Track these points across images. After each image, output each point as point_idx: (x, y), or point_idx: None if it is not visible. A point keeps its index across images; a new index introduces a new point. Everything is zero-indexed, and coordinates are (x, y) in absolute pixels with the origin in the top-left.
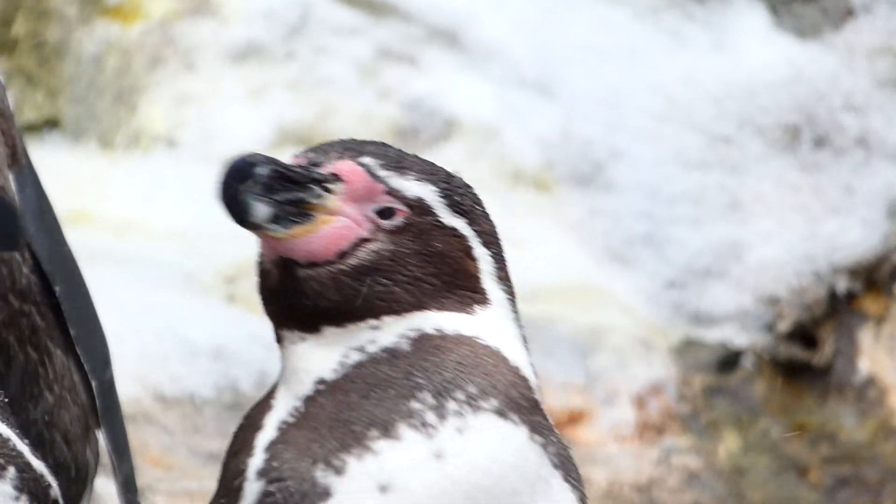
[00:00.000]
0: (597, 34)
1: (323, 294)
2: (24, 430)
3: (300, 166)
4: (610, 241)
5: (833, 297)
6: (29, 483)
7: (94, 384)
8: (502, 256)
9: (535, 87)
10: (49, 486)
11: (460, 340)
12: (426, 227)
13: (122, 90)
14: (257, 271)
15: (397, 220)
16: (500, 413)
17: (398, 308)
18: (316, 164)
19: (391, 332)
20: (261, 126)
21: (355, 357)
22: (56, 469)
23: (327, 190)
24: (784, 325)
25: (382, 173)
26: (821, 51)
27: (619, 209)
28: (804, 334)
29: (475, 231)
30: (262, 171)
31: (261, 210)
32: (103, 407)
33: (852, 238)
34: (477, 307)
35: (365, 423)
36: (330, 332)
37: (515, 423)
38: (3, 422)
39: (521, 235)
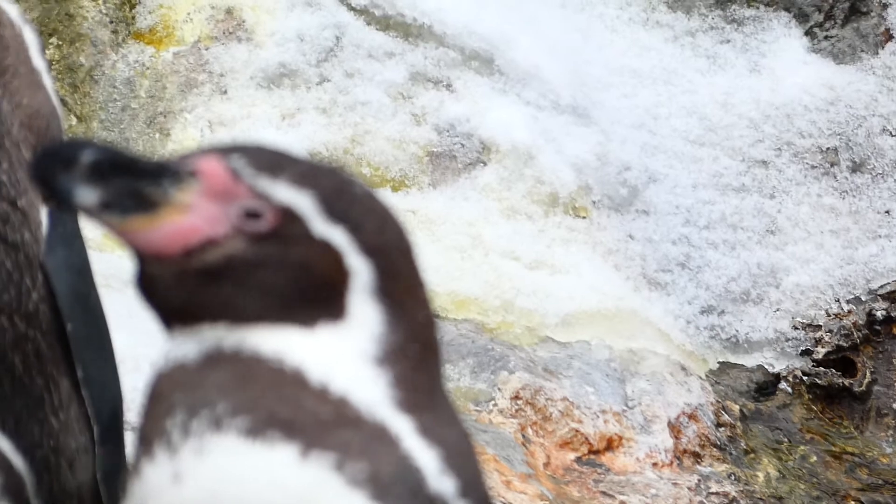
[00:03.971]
0: (633, 57)
1: (165, 292)
2: (30, 453)
3: (149, 160)
4: (646, 265)
5: (871, 322)
6: (11, 486)
7: (95, 430)
8: (397, 269)
9: (571, 111)
10: (24, 483)
11: (251, 358)
12: (293, 235)
13: (156, 114)
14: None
15: (262, 226)
16: (252, 431)
17: (234, 317)
18: (182, 161)
19: (199, 342)
20: (294, 150)
21: (163, 364)
22: (61, 496)
23: (177, 185)
24: (822, 351)
25: (249, 173)
26: (858, 74)
27: (655, 233)
28: (842, 360)
29: (357, 240)
30: (88, 156)
31: (86, 194)
32: (103, 454)
33: (891, 262)
34: (323, 323)
35: (140, 437)
36: (178, 331)
37: (272, 442)
38: None
39: (557, 260)
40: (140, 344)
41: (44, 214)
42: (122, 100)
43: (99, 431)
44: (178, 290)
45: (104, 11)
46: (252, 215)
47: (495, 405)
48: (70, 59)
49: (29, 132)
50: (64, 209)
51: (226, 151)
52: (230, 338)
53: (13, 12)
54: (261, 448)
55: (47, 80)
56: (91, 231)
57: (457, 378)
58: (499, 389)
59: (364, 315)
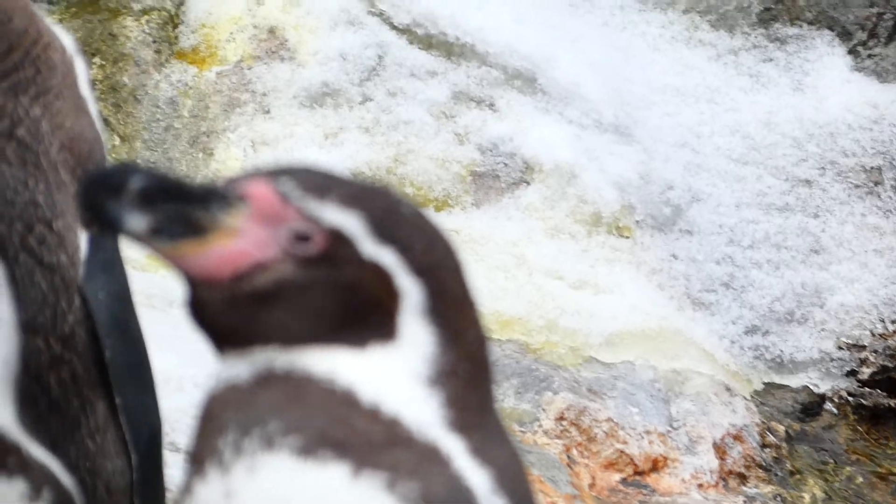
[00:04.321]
0: (676, 76)
1: (216, 316)
2: (66, 474)
3: (197, 184)
4: (690, 285)
5: None
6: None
7: (133, 458)
8: (447, 289)
9: (613, 130)
10: (74, 501)
11: (303, 379)
12: (343, 257)
13: (199, 134)
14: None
15: (311, 249)
16: (304, 450)
17: (286, 340)
18: (230, 185)
19: (251, 363)
20: (337, 169)
21: (214, 384)
22: None
23: (229, 209)
24: (867, 371)
25: (297, 196)
26: None
27: (699, 253)
28: (888, 380)
29: (406, 260)
30: (136, 182)
31: (135, 221)
32: (140, 482)
33: None
34: (374, 344)
35: (192, 457)
36: (229, 353)
37: (324, 461)
38: (38, 444)
39: (601, 280)
40: (184, 364)
41: (83, 239)
42: (165, 119)
43: (137, 458)
44: (229, 314)
45: (147, 31)
46: (301, 238)
47: (540, 426)
48: (113, 78)
49: (70, 155)
50: (112, 236)
51: (273, 174)
52: (282, 359)
53: (67, 41)
54: (312, 467)
55: (93, 109)
56: (133, 251)
57: (501, 398)
58: (543, 410)
59: (415, 336)
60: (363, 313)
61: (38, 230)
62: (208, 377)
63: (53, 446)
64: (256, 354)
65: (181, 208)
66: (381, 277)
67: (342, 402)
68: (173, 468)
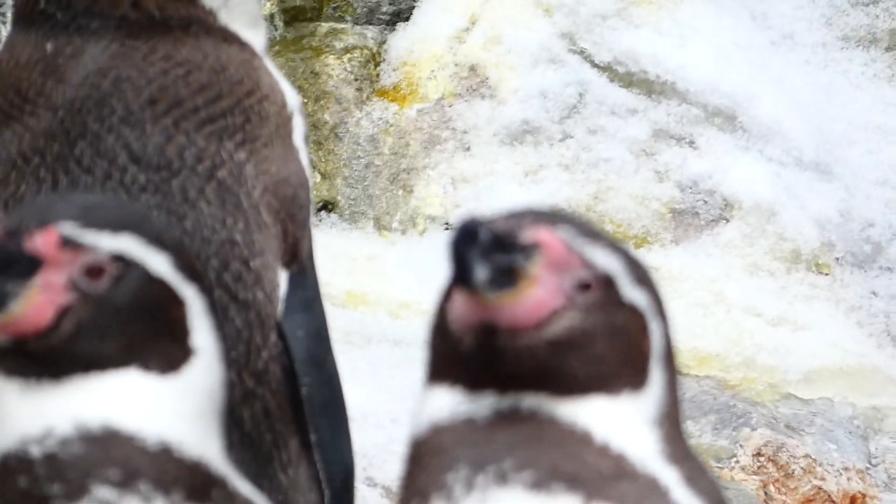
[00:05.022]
0: (878, 113)
1: (518, 362)
2: None
3: (508, 233)
4: (890, 322)
5: None
6: None
7: (326, 494)
8: (670, 332)
9: (813, 167)
10: None
11: (546, 420)
12: (612, 302)
13: (399, 171)
14: (437, 331)
15: (590, 294)
16: (536, 485)
17: (561, 388)
18: (513, 231)
19: (497, 401)
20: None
21: (442, 418)
22: None
23: (528, 258)
24: None
25: (577, 243)
26: None
27: None
28: None
29: (653, 306)
30: (485, 234)
31: (481, 273)
32: None
33: None
34: (627, 390)
35: (411, 490)
36: (487, 394)
37: (556, 494)
38: (247, 483)
39: (799, 317)
40: (382, 400)
41: (282, 277)
42: (365, 157)
43: (330, 494)
44: (529, 360)
45: (349, 69)
46: (583, 284)
47: (737, 462)
48: (315, 116)
49: (273, 198)
50: (463, 286)
51: (549, 220)
52: (529, 400)
53: (290, 97)
54: (545, 499)
55: (303, 159)
56: (332, 288)
57: (698, 434)
58: (741, 446)
59: (657, 380)
60: (627, 357)
61: (233, 267)
62: (407, 413)
63: (245, 478)
64: (513, 397)
65: (505, 258)
66: (640, 321)
67: (577, 441)
68: (370, 503)
